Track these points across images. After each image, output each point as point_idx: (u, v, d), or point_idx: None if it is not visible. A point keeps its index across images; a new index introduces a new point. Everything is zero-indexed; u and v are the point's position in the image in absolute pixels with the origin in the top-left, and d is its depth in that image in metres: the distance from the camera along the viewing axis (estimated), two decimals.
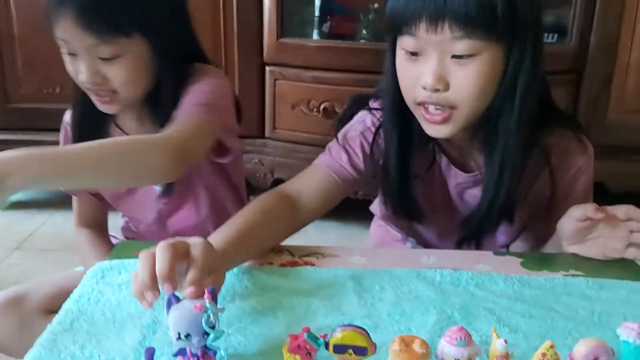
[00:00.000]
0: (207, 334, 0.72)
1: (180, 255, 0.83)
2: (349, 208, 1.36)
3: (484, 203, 1.22)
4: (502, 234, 1.33)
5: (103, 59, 1.15)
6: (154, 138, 1.10)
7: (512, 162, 1.16)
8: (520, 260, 1.15)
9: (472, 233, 1.27)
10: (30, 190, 2.84)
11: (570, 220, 1.15)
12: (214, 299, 0.76)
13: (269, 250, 1.14)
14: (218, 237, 1.01)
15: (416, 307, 0.97)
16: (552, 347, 0.82)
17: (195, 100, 1.22)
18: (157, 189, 1.33)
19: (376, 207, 1.48)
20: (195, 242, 0.86)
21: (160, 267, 0.78)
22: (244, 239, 1.04)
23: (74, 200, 1.49)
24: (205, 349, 0.75)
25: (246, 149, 2.48)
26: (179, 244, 0.84)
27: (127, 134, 1.31)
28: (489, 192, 1.20)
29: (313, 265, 1.09)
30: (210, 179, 1.40)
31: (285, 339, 0.82)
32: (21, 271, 2.23)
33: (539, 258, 1.18)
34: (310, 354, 0.81)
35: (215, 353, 0.75)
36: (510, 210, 1.23)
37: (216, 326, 0.73)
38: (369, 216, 1.56)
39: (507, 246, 1.36)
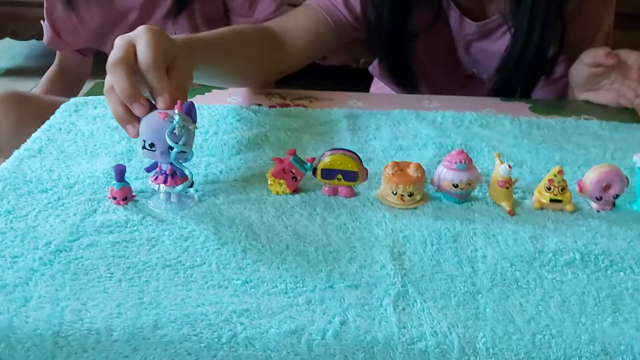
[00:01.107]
0: (172, 148, 0.66)
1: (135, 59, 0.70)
2: (348, 79, 1.26)
3: (512, 53, 1.09)
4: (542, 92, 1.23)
5: None
6: None
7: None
8: (529, 105, 1.07)
9: (500, 91, 1.15)
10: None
11: (582, 66, 1.06)
12: (190, 114, 0.69)
13: (252, 89, 1.06)
14: (180, 37, 0.85)
15: (414, 144, 0.90)
16: (560, 172, 0.75)
17: None
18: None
19: (375, 67, 1.38)
20: (138, 33, 0.71)
21: (119, 88, 0.68)
22: (212, 47, 0.91)
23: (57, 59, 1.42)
24: (175, 168, 0.69)
25: None
26: (128, 49, 0.70)
27: None
28: (519, 40, 1.08)
29: (305, 107, 1.02)
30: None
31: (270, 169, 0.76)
32: None
33: (549, 103, 1.10)
34: (296, 178, 0.75)
35: (183, 175, 0.69)
36: (545, 61, 1.11)
37: (183, 142, 0.66)
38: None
39: None
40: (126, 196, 0.71)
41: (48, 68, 1.46)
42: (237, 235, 0.66)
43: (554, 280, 0.62)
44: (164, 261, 0.62)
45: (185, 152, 0.68)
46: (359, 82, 1.48)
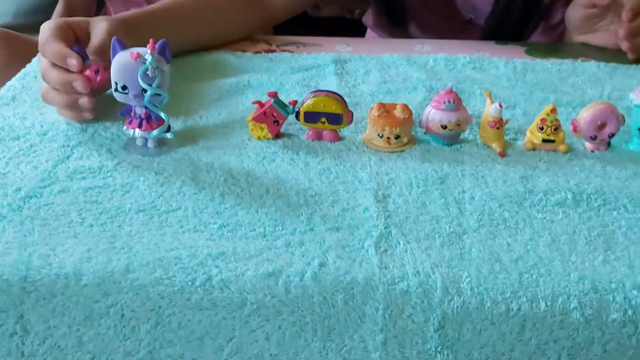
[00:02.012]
0: (145, 90, 0.63)
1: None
2: (342, 31, 1.22)
3: None
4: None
5: None
6: None
7: None
8: (524, 48, 1.03)
9: (493, 34, 1.11)
10: None
11: (578, 8, 1.02)
12: (164, 54, 0.66)
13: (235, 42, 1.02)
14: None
15: (403, 87, 0.86)
16: (553, 111, 0.73)
17: None
18: None
19: (368, 16, 1.34)
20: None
21: (49, 52, 0.69)
22: (161, 19, 0.87)
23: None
24: (150, 112, 0.66)
25: None
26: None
27: None
28: None
29: (292, 52, 0.98)
30: None
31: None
32: None
33: (545, 46, 1.06)
34: (277, 122, 0.72)
35: (159, 119, 0.66)
36: (538, 2, 1.07)
37: (157, 83, 0.63)
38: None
39: None
40: (97, 69, 0.68)
41: (38, 25, 1.43)
42: (215, 180, 0.64)
43: (544, 220, 0.59)
44: (138, 206, 0.59)
45: (159, 94, 0.65)
46: (354, 34, 1.44)
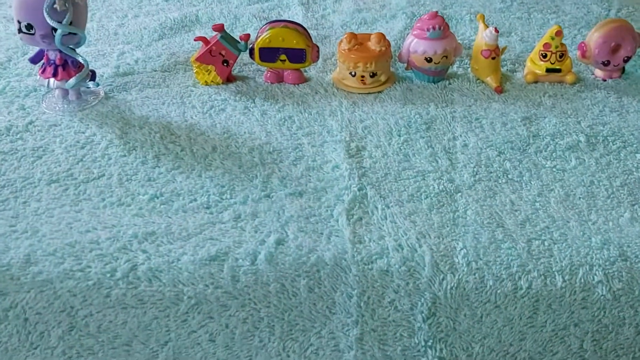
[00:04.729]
0: (55, 30, 0.51)
1: None
2: None
3: None
4: None
5: None
6: None
7: None
8: None
9: None
10: None
11: None
12: None
13: None
14: None
15: (380, 15, 0.74)
16: (558, 33, 0.61)
17: None
18: None
19: None
20: None
21: None
22: None
23: None
24: (65, 56, 0.53)
25: None
26: None
27: None
28: None
29: None
30: None
31: None
32: None
33: None
34: (227, 62, 0.60)
35: (78, 64, 0.54)
36: None
37: (69, 19, 0.50)
38: None
39: None
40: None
41: None
42: (149, 138, 0.52)
43: (554, 170, 0.48)
44: (51, 176, 0.47)
45: (74, 33, 0.53)
46: None
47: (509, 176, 0.47)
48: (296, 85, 0.60)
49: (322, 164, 0.49)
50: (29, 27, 0.52)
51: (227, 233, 0.42)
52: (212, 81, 0.60)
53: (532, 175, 0.48)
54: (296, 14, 0.74)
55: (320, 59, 0.60)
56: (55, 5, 0.50)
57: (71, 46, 0.53)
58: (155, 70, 0.62)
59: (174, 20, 0.71)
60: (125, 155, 0.50)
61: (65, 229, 0.42)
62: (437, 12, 0.58)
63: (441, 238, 0.42)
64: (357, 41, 0.59)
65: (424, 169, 0.48)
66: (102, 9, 0.75)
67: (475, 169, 0.48)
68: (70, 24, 0.51)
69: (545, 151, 0.50)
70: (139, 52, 0.65)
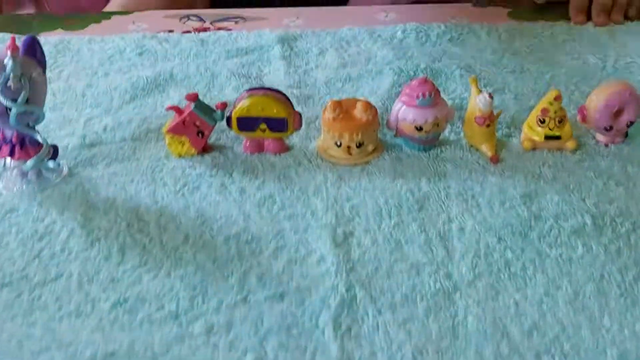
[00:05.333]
0: (10, 108, 0.46)
1: None
2: None
3: None
4: None
5: None
6: None
7: None
8: (507, 10, 0.87)
9: None
10: None
11: None
12: (34, 55, 0.48)
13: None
14: None
15: (366, 71, 0.70)
16: (557, 98, 0.57)
17: None
18: None
19: None
20: None
21: None
22: None
23: None
24: (23, 134, 0.48)
25: None
26: None
27: None
28: None
29: (229, 30, 0.81)
30: None
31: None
32: None
33: (532, 7, 0.89)
34: (202, 133, 0.55)
35: (36, 143, 0.49)
36: None
37: (25, 97, 0.45)
38: None
39: None
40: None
41: None
42: (115, 226, 0.47)
43: (559, 260, 0.44)
44: (3, 277, 0.42)
45: (31, 112, 0.48)
46: None
47: (512, 269, 0.43)
48: (278, 155, 0.56)
49: (306, 255, 0.44)
50: None
51: (198, 351, 0.37)
52: (186, 153, 0.55)
53: (536, 268, 0.43)
54: (277, 69, 0.70)
55: (303, 124, 0.56)
56: (9, 84, 0.45)
57: (29, 123, 0.49)
58: (125, 140, 0.57)
59: (147, 80, 0.66)
60: (87, 249, 0.45)
61: (16, 348, 0.37)
62: (426, 77, 0.54)
63: (440, 354, 0.37)
64: (342, 109, 0.55)
65: (418, 261, 0.44)
66: (70, 65, 0.70)
67: (474, 261, 0.44)
68: (27, 101, 0.47)
69: (549, 236, 0.46)
70: (107, 118, 0.60)
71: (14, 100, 0.46)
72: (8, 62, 0.45)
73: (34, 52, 0.47)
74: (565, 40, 0.76)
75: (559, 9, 0.85)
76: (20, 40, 0.47)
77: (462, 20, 0.82)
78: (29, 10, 1.07)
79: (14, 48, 0.45)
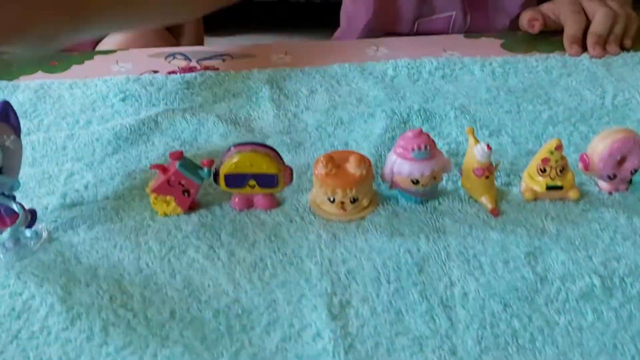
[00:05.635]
0: None
1: None
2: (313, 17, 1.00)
3: None
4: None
5: None
6: None
7: None
8: (500, 41, 0.85)
9: None
10: None
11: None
12: (7, 121, 0.45)
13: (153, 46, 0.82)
14: None
15: (358, 114, 0.68)
16: (558, 148, 0.55)
17: None
18: None
19: None
20: None
21: None
22: None
23: None
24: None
25: None
26: None
27: None
28: None
29: (216, 70, 0.79)
30: None
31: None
32: None
33: (525, 37, 0.88)
34: (188, 192, 0.53)
35: (11, 212, 0.46)
36: None
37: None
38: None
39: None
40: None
41: None
42: (97, 301, 0.44)
43: (569, 328, 0.42)
44: None
45: (3, 182, 0.45)
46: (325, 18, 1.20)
47: (519, 341, 0.41)
48: (268, 211, 0.53)
49: (301, 330, 0.42)
50: None
51: None
52: (172, 212, 0.52)
53: (545, 339, 0.41)
54: (267, 112, 0.68)
55: (294, 176, 0.54)
56: None
57: (4, 192, 0.46)
58: (108, 198, 0.54)
59: (130, 129, 0.63)
60: (67, 328, 0.42)
61: None
62: (421, 129, 0.52)
63: None
64: (334, 164, 0.52)
65: (421, 333, 0.41)
66: (51, 113, 0.67)
67: (479, 332, 0.41)
68: (1, 171, 0.44)
69: (557, 301, 0.43)
70: (89, 174, 0.57)
71: None
72: None
73: (6, 118, 0.44)
74: (561, 75, 0.74)
75: (553, 37, 0.84)
76: None
77: (454, 55, 0.80)
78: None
79: None
